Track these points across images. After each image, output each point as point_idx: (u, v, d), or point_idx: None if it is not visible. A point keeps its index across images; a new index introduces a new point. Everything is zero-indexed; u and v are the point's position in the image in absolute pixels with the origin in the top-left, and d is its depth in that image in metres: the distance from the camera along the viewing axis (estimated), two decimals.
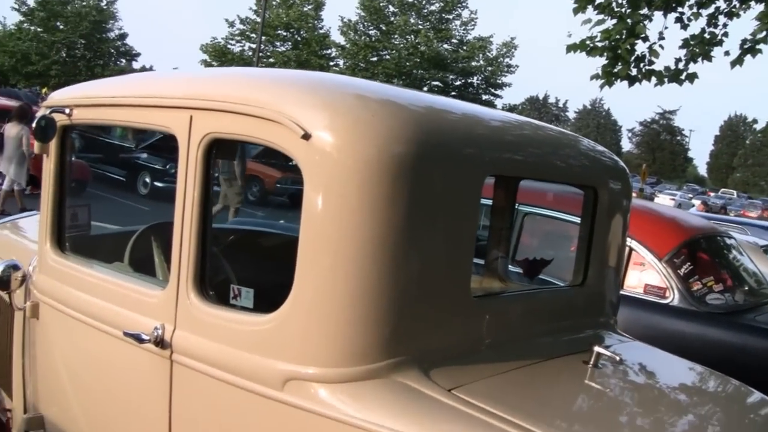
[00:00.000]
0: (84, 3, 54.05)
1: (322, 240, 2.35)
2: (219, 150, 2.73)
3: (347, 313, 2.35)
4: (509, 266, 4.16)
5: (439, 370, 2.48)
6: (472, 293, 2.70)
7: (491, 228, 3.96)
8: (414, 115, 2.54)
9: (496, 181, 3.92)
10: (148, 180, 18.50)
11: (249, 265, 3.17)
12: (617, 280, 3.55)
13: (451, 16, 48.19)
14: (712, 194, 65.42)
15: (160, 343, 2.75)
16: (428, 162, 2.42)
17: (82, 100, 3.30)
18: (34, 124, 3.20)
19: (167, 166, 17.18)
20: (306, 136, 2.34)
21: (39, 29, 52.87)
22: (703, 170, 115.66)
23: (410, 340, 2.47)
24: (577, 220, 4.94)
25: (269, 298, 2.54)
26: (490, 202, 3.94)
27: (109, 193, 15.93)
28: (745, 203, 55.76)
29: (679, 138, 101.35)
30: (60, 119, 3.28)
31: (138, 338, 2.79)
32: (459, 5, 48.00)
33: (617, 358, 2.85)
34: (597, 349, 2.83)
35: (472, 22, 48.20)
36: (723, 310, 5.50)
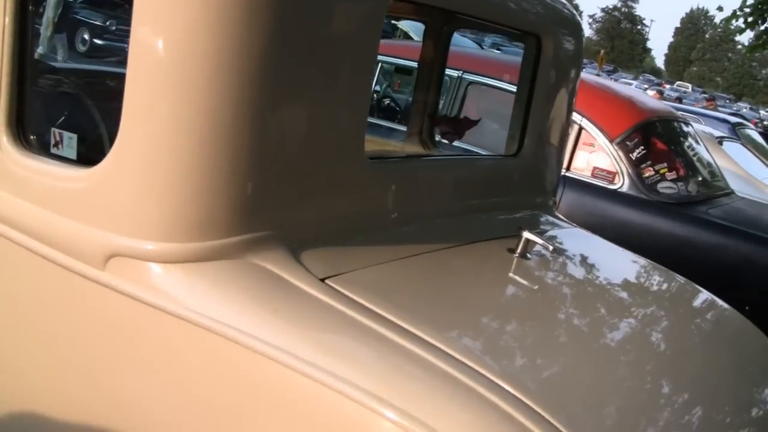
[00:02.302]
0: None
1: (154, 74, 1.69)
2: None
3: (187, 170, 1.71)
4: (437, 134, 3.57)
5: (313, 252, 1.88)
6: (368, 154, 2.09)
7: (417, 87, 3.33)
8: None
9: (425, 30, 3.27)
10: (87, 36, 17.30)
11: (80, 107, 2.53)
12: (560, 154, 2.97)
13: None
14: (667, 86, 65.07)
15: None
16: None
17: None
18: None
19: None
20: None
21: None
22: (660, 62, 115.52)
23: (275, 210, 1.86)
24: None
25: (97, 148, 1.92)
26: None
27: None
28: (699, 97, 55.61)
29: (639, 27, 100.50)
30: None
31: None
32: None
33: (550, 247, 2.30)
34: (526, 234, 2.27)
35: None
36: (674, 200, 5.12)
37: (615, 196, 5.09)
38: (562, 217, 2.91)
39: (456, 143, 3.86)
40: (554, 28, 2.69)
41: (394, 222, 2.17)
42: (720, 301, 2.65)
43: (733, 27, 12.35)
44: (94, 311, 1.87)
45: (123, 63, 1.74)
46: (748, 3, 11.56)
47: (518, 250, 2.27)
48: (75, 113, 2.49)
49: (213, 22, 1.64)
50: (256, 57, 1.69)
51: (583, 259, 2.61)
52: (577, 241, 2.75)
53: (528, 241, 2.27)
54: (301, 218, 1.91)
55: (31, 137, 2.09)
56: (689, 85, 76.68)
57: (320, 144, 1.92)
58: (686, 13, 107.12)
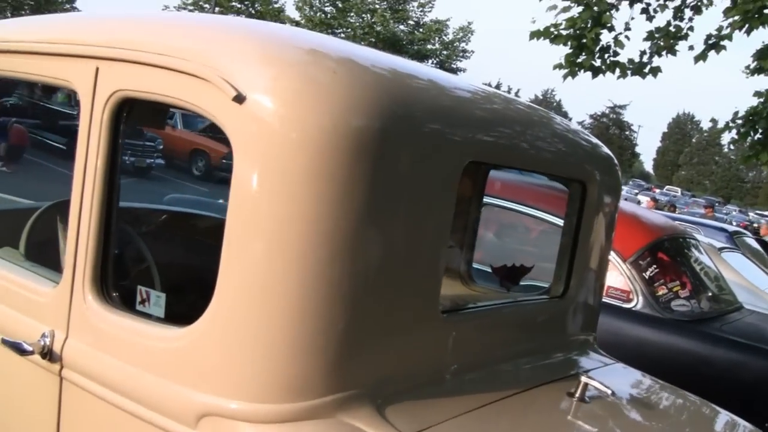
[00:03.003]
0: None
1: (254, 235, 1.80)
2: (132, 114, 2.15)
3: (283, 331, 1.80)
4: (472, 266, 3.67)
5: (397, 407, 1.95)
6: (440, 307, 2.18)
7: (455, 222, 3.43)
8: (380, 80, 1.99)
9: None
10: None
11: (167, 259, 2.60)
12: (601, 290, 3.06)
13: None
14: (657, 191, 65.84)
15: (48, 354, 2.18)
16: (397, 141, 1.89)
17: None
18: None
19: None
20: (238, 98, 1.77)
21: None
22: (649, 166, 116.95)
23: (363, 367, 1.93)
24: (530, 211, 4.50)
25: (187, 306, 1.99)
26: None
27: (48, 161, 15.21)
28: (689, 201, 56.17)
29: (627, 133, 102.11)
30: None
31: (19, 348, 2.21)
32: None
33: (609, 391, 2.36)
34: (584, 379, 2.35)
35: (430, 4, 47.41)
36: (688, 318, 5.15)
37: (630, 315, 5.11)
38: (603, 353, 2.98)
39: (477, 266, 3.96)
40: (597, 173, 2.81)
41: (463, 370, 2.24)
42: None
43: (725, 139, 12.64)
44: None
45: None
46: (740, 115, 11.84)
47: (577, 394, 2.34)
48: (160, 268, 2.56)
49: (313, 182, 1.76)
50: (351, 217, 1.81)
51: (637, 399, 2.67)
52: (624, 378, 2.81)
53: (586, 385, 2.34)
54: (383, 374, 1.98)
55: (114, 293, 2.17)
56: (678, 189, 77.54)
57: (404, 299, 2.02)
58: (672, 119, 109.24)
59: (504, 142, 2.35)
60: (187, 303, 2.02)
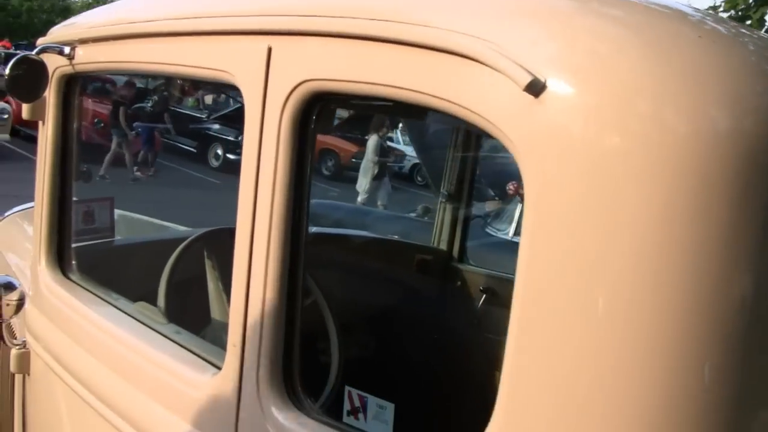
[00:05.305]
0: None
1: (582, 294, 0.99)
2: (325, 113, 1.41)
3: None
4: None
5: None
6: None
7: None
8: (756, 50, 1.14)
9: None
10: (220, 152, 17.24)
11: (393, 336, 1.74)
12: None
13: None
14: None
15: None
16: None
17: (90, 31, 1.98)
18: (6, 71, 1.91)
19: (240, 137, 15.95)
20: (534, 87, 0.98)
21: None
22: None
23: None
24: None
25: (440, 419, 1.21)
26: None
27: (178, 165, 15.31)
28: None
29: None
30: (58, 64, 2.02)
31: None
32: None
33: None
34: None
35: None
36: None
37: None
38: None
39: None
40: None
41: None
42: None
43: None
44: None
45: None
46: None
47: None
48: (383, 355, 1.74)
49: (683, 213, 0.95)
50: (744, 263, 0.97)
51: None
52: None
53: None
54: None
55: (307, 394, 1.40)
56: None
57: None
58: None
59: None
60: (438, 413, 1.24)
